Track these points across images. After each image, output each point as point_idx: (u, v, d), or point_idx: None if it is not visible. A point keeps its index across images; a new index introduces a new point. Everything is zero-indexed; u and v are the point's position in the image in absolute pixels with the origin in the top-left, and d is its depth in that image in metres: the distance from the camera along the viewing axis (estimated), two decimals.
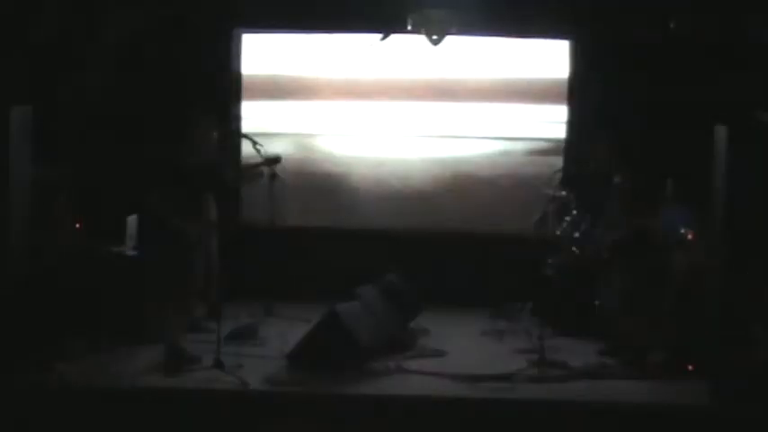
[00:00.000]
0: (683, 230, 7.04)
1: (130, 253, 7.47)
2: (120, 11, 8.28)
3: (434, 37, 7.94)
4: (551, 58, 8.79)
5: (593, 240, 7.48)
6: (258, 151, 7.88)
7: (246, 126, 8.79)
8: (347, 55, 8.80)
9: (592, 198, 7.65)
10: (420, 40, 8.03)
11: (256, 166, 7.81)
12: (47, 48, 8.02)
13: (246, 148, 8.08)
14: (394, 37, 8.43)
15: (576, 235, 7.60)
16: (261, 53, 8.93)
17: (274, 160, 7.93)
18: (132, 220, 7.58)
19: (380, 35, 8.29)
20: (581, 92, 8.65)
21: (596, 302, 7.45)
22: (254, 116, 8.92)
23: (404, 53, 8.74)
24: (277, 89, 8.88)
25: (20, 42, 7.77)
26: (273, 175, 7.96)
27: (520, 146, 8.83)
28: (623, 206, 7.35)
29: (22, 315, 6.62)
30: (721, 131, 6.57)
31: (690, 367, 6.53)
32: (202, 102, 8.44)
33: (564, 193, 7.55)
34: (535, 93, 8.79)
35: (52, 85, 8.03)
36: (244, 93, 8.95)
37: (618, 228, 7.34)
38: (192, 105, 8.34)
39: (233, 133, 8.56)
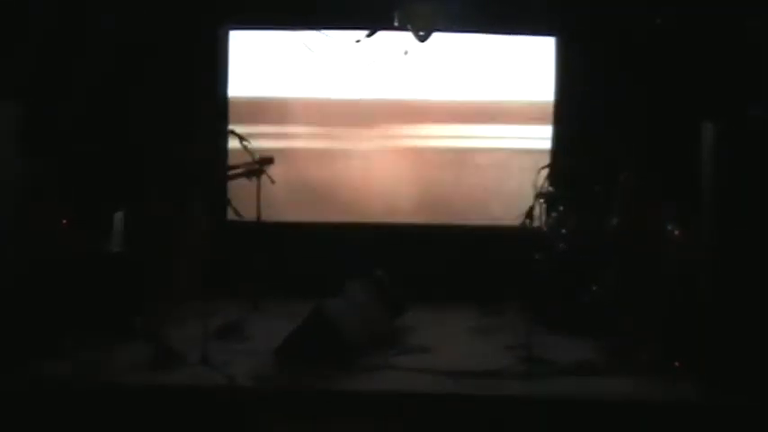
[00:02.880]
0: (670, 227, 7.05)
1: (117, 250, 7.46)
2: (110, 8, 8.27)
3: (421, 33, 7.95)
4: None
5: (585, 236, 7.52)
6: (246, 147, 7.89)
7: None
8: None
9: (583, 195, 7.69)
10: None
11: (249, 164, 7.82)
12: (35, 43, 8.00)
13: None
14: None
15: (563, 231, 7.63)
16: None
17: (267, 161, 7.95)
18: (119, 216, 7.56)
19: (367, 31, 8.27)
20: (567, 89, 8.65)
21: (585, 299, 7.46)
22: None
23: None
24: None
25: (8, 38, 7.75)
26: (260, 172, 7.97)
27: (507, 141, 8.83)
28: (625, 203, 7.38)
29: (9, 313, 6.60)
30: (708, 128, 6.57)
31: (676, 363, 6.55)
32: (191, 99, 8.47)
33: (551, 188, 7.56)
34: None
35: (40, 82, 8.01)
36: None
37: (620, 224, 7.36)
38: (181, 103, 8.38)
39: (221, 130, 8.56)
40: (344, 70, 8.71)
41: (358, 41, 8.39)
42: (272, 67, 8.78)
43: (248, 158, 7.89)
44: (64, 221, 7.40)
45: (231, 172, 7.88)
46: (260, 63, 8.79)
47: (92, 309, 7.06)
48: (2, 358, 6.32)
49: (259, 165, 7.89)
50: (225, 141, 8.53)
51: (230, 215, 7.77)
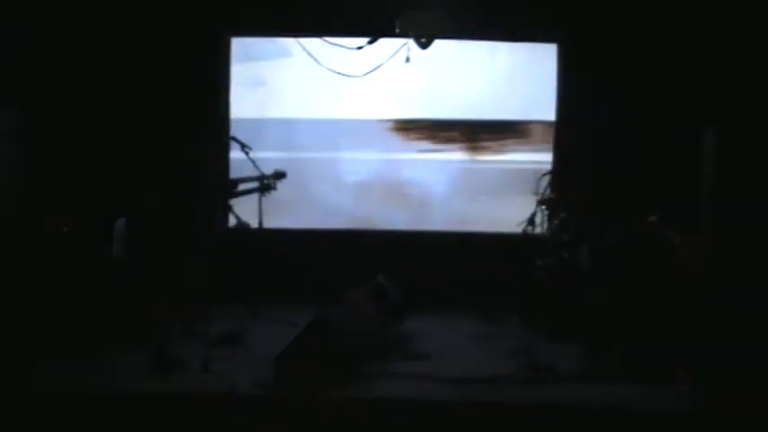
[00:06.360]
0: (671, 234, 7.05)
1: (119, 256, 7.45)
2: (108, 13, 8.28)
3: (423, 40, 7.96)
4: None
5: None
6: (247, 154, 7.88)
7: None
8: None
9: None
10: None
11: (262, 178, 7.83)
12: (34, 47, 8.01)
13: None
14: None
15: (565, 237, 7.63)
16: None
17: (281, 175, 7.97)
18: (121, 223, 7.56)
19: (369, 38, 8.29)
20: (569, 94, 8.65)
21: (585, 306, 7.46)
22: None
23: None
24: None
25: (6, 41, 7.77)
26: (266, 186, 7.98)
27: (508, 147, 8.84)
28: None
29: (7, 317, 6.61)
30: (711, 135, 6.57)
31: (679, 371, 6.54)
32: (193, 106, 8.48)
33: (553, 194, 7.56)
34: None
35: (40, 85, 8.03)
36: None
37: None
38: (183, 110, 8.39)
39: (224, 138, 8.57)
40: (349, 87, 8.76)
41: (360, 48, 8.41)
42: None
43: (249, 165, 7.89)
44: (65, 227, 7.40)
45: (243, 186, 7.87)
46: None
47: (93, 315, 7.06)
48: (1, 364, 6.33)
49: (273, 179, 7.91)
50: (227, 148, 8.54)
51: (232, 222, 7.76)
